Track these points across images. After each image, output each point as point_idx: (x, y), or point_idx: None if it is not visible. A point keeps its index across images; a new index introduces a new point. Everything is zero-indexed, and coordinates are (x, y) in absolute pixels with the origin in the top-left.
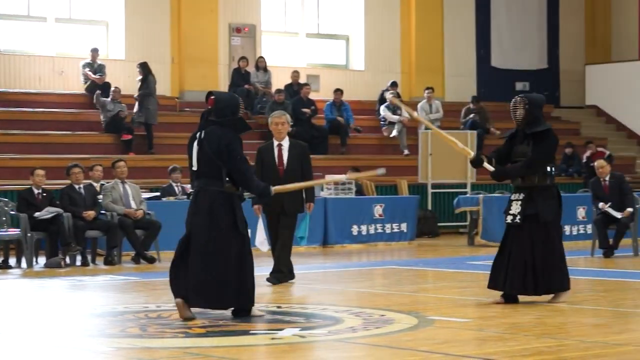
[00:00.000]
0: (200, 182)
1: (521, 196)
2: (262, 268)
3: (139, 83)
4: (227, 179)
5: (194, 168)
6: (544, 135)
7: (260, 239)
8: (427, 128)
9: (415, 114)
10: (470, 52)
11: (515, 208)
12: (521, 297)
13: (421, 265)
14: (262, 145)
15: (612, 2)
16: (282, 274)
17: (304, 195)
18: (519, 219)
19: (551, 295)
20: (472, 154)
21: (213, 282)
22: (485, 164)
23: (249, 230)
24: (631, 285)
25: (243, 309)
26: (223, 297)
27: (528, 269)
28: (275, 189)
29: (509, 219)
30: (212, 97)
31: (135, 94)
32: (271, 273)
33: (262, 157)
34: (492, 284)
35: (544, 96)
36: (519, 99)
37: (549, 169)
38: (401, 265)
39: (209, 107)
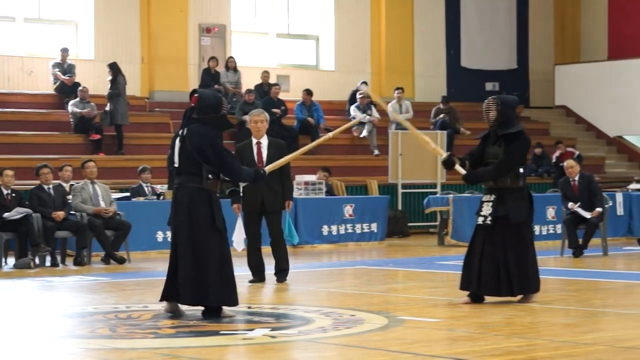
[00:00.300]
0: (180, 178)
1: (492, 197)
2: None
3: (109, 83)
4: (209, 176)
5: (176, 164)
6: (515, 137)
7: (238, 239)
8: (398, 127)
9: (388, 108)
10: (440, 52)
11: (487, 209)
12: (489, 297)
13: (391, 265)
14: (240, 143)
15: (582, 3)
16: (286, 272)
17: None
18: (490, 221)
19: (521, 296)
20: (445, 154)
21: (197, 278)
22: (457, 167)
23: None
24: (600, 284)
25: (221, 306)
26: (207, 294)
27: (502, 271)
28: (267, 168)
29: (480, 220)
30: (196, 95)
31: (105, 94)
32: (276, 272)
33: (241, 155)
34: (465, 285)
35: (517, 97)
36: (491, 100)
37: (521, 170)
38: (371, 265)
39: (192, 104)
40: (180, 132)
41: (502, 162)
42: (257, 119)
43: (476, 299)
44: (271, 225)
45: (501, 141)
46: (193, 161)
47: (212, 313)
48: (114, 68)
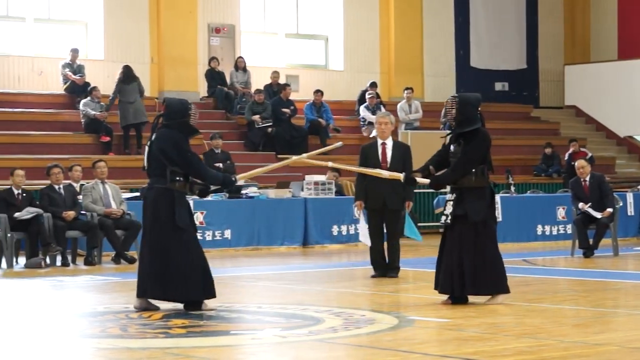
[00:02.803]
0: (150, 180)
1: (454, 196)
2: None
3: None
4: (178, 178)
5: (146, 167)
6: (472, 135)
7: (364, 234)
8: (408, 126)
9: (329, 163)
10: (450, 52)
11: (448, 208)
12: (471, 297)
13: (402, 266)
14: (366, 144)
15: (591, 2)
16: (397, 270)
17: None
18: (449, 220)
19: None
20: (402, 176)
21: (158, 274)
22: (419, 179)
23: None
24: (611, 285)
25: (192, 301)
26: (168, 290)
27: (455, 270)
28: (239, 176)
29: (442, 219)
30: (164, 102)
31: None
32: (388, 270)
33: (366, 155)
34: (435, 286)
35: (479, 95)
36: (450, 98)
37: (477, 169)
38: None
39: (161, 112)
40: (150, 137)
41: (458, 162)
42: (382, 121)
43: (456, 300)
44: (389, 224)
45: (460, 140)
46: (158, 163)
47: (192, 307)
48: (128, 71)
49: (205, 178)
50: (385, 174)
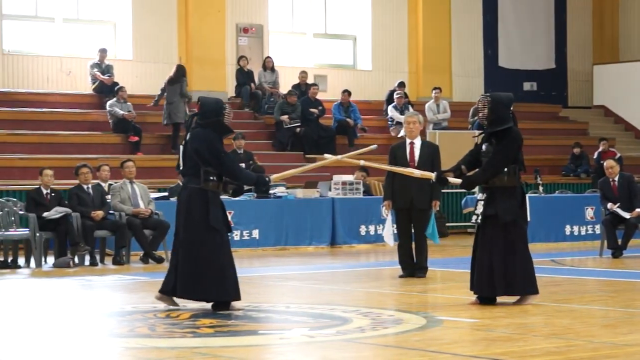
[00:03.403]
0: (185, 180)
1: (484, 196)
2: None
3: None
4: (211, 178)
5: (181, 167)
6: (504, 135)
7: (388, 233)
8: (436, 126)
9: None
10: (478, 52)
11: (479, 208)
12: (500, 298)
13: (429, 266)
14: (395, 144)
15: (620, 2)
16: (425, 270)
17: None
18: (480, 220)
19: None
20: (433, 175)
21: (191, 273)
22: (451, 179)
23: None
24: None
25: (221, 302)
26: (199, 289)
27: (485, 271)
28: (273, 177)
29: (473, 219)
30: (198, 101)
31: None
32: (416, 270)
33: (395, 154)
34: (470, 285)
35: (511, 95)
36: (482, 97)
37: (509, 169)
38: None
39: (196, 111)
40: (185, 137)
41: (489, 161)
42: (410, 120)
43: (483, 300)
44: (417, 223)
45: (492, 139)
46: (193, 163)
47: (220, 307)
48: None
49: (239, 178)
50: (417, 173)
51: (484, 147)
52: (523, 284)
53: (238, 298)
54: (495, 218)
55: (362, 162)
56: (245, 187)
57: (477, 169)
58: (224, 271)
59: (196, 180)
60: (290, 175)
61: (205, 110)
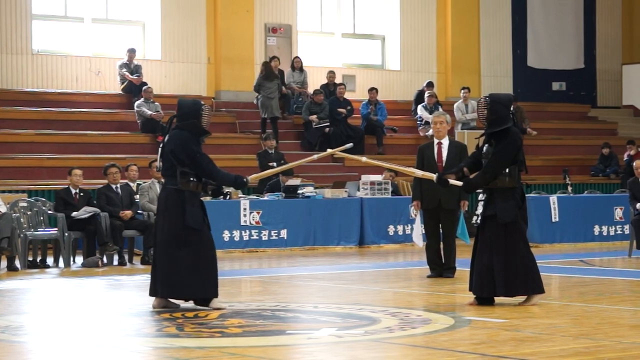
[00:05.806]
0: (164, 180)
1: (484, 197)
2: (297, 268)
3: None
4: (191, 179)
5: (159, 168)
6: (502, 136)
7: (417, 234)
8: (465, 126)
9: (363, 158)
10: (507, 52)
11: (479, 209)
12: (498, 299)
13: (457, 266)
14: (422, 144)
15: None
16: (453, 270)
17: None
18: (480, 220)
19: (524, 298)
20: (435, 176)
21: (169, 273)
22: (452, 181)
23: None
24: None
25: (202, 298)
26: (178, 288)
27: (485, 271)
28: (251, 177)
29: (474, 219)
30: (177, 103)
31: (172, 93)
32: (444, 270)
33: (422, 155)
34: (469, 286)
35: (510, 95)
36: (482, 99)
37: (510, 170)
38: None
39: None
40: (163, 139)
41: (488, 164)
42: (438, 120)
43: (482, 301)
44: (445, 224)
45: (492, 140)
46: (170, 164)
47: (201, 304)
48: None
49: (215, 178)
50: (418, 173)
51: (484, 148)
52: (526, 284)
53: (216, 295)
54: (495, 219)
55: (363, 159)
56: (225, 189)
57: (478, 172)
58: (201, 270)
59: (173, 180)
60: (269, 174)
61: (183, 112)
